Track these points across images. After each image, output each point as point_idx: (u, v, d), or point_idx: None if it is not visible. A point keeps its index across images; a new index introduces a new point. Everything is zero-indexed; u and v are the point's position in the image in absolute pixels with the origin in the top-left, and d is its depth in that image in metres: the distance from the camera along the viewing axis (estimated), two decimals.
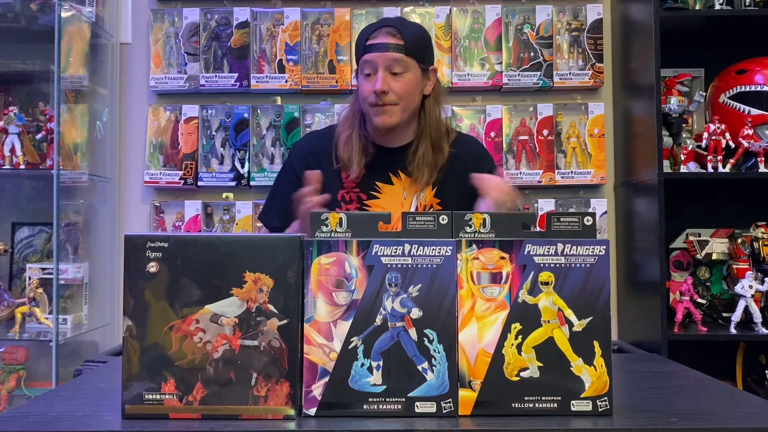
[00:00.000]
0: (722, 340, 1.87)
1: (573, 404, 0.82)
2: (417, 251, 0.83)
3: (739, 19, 1.94)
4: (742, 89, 1.97)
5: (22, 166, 1.98)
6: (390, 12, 2.16)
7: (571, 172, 2.12)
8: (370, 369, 0.83)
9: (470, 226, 0.85)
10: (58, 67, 1.89)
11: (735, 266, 1.95)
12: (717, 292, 2.05)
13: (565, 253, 0.83)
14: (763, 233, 1.91)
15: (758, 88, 1.95)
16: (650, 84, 1.87)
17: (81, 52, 2.05)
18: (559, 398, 0.82)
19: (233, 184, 2.13)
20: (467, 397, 0.82)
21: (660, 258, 1.82)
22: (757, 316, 1.82)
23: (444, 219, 0.85)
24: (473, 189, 1.58)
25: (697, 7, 1.98)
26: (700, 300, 1.93)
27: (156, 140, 2.16)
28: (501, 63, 2.15)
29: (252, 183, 2.12)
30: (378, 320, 0.83)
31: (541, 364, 0.83)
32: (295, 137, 2.12)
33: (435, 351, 0.83)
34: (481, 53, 2.16)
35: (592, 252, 0.83)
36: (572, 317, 0.83)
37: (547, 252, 0.83)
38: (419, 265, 0.83)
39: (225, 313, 0.83)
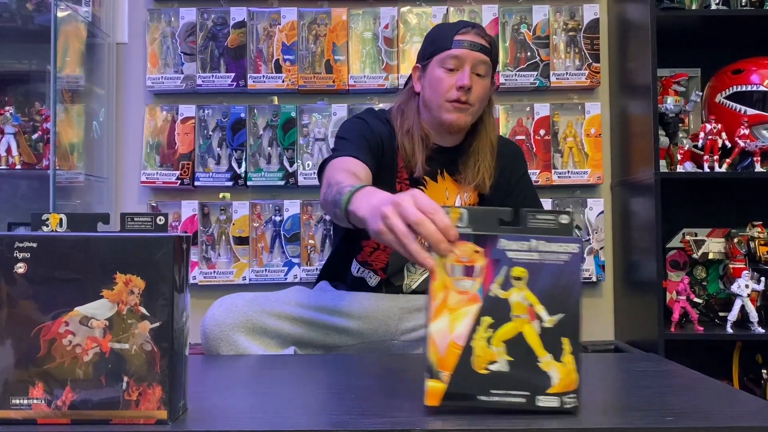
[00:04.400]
0: (718, 339, 1.88)
1: (539, 399, 0.82)
2: (544, 247, 0.83)
3: (735, 19, 1.95)
4: (738, 89, 1.97)
5: (18, 167, 1.97)
6: (387, 12, 2.16)
7: (568, 171, 2.12)
8: None
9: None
10: (54, 67, 1.89)
11: (731, 266, 1.95)
12: (713, 292, 2.06)
13: (539, 249, 0.83)
14: (759, 233, 1.92)
15: (754, 88, 1.96)
16: (647, 84, 1.87)
17: (77, 52, 2.05)
18: (527, 393, 0.82)
19: (230, 184, 2.12)
20: (435, 387, 0.82)
21: (656, 257, 1.82)
22: (754, 316, 1.83)
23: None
24: (510, 189, 1.60)
25: (694, 7, 1.98)
26: (696, 299, 1.93)
27: (153, 140, 2.16)
28: (498, 63, 2.15)
29: (249, 183, 2.12)
30: None
31: (510, 359, 0.83)
32: (291, 137, 2.12)
33: None
34: None
35: (566, 250, 0.83)
36: (543, 313, 0.83)
37: (521, 248, 0.83)
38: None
39: (95, 315, 0.82)
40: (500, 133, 2.12)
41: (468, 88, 1.46)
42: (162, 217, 0.95)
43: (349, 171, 1.28)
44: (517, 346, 0.82)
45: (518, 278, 0.83)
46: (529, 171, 1.69)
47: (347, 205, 1.09)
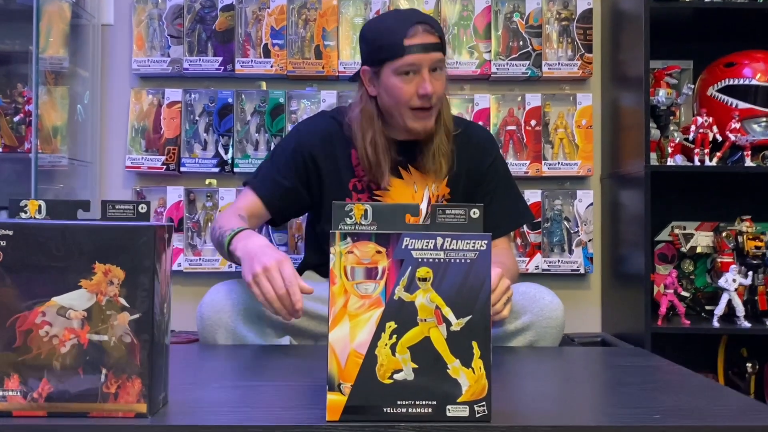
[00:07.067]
0: (705, 333, 1.88)
1: (449, 409, 0.77)
2: (449, 245, 0.78)
3: (728, 11, 1.93)
4: (730, 82, 1.97)
5: (0, 149, 1.93)
6: None
7: (558, 163, 2.11)
8: None
9: (351, 218, 0.79)
10: (36, 48, 1.85)
11: (719, 260, 1.95)
12: (701, 285, 2.06)
13: (444, 247, 0.78)
14: (747, 227, 1.92)
15: (746, 82, 1.95)
16: (639, 75, 1.86)
17: (61, 33, 2.00)
18: (434, 403, 0.77)
19: (216, 170, 2.09)
20: (336, 401, 0.77)
21: (645, 250, 1.81)
22: (740, 310, 1.83)
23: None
24: (480, 176, 1.59)
25: None
26: (683, 293, 1.93)
27: (138, 124, 2.12)
28: (490, 52, 2.13)
29: (236, 170, 2.09)
30: None
31: (416, 366, 0.77)
32: (279, 123, 2.10)
33: None
34: (470, 41, 2.14)
35: (473, 247, 0.78)
36: (450, 316, 0.78)
37: (426, 246, 0.78)
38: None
39: (73, 306, 0.80)
40: (492, 123, 2.11)
41: (432, 94, 1.44)
42: (144, 206, 0.93)
43: (240, 215, 1.49)
44: (423, 352, 0.77)
45: (423, 279, 0.78)
46: (502, 155, 1.71)
47: (229, 245, 1.37)
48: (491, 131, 2.11)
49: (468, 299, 0.78)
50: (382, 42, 1.46)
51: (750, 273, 1.88)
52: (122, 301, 0.81)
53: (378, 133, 1.49)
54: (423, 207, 1.54)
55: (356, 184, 1.54)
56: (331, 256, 0.79)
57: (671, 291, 1.87)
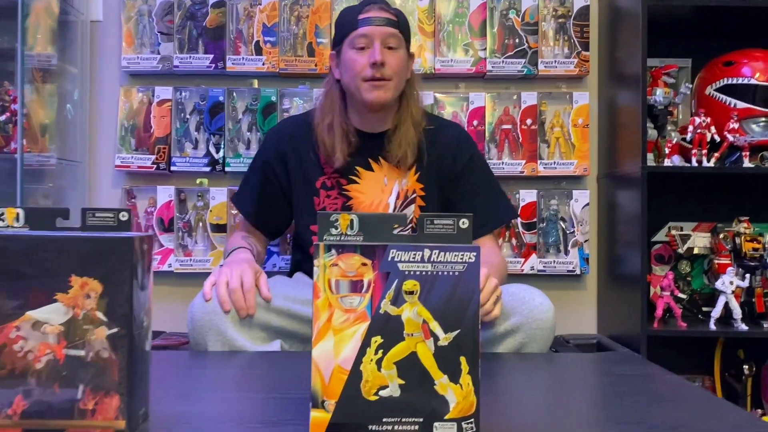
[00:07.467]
0: (701, 335, 1.86)
1: (436, 426, 0.75)
2: (437, 257, 0.76)
3: (727, 10, 1.90)
4: (729, 81, 1.94)
5: None
6: None
7: (554, 162, 2.08)
8: None
9: (336, 228, 0.77)
10: (22, 45, 1.81)
11: (716, 261, 1.93)
12: (697, 287, 2.04)
13: (432, 259, 0.76)
14: (745, 228, 1.89)
15: (745, 81, 1.92)
16: (636, 74, 1.83)
17: (49, 30, 1.97)
18: (421, 420, 0.75)
19: (207, 169, 2.06)
20: (319, 418, 0.75)
21: (641, 251, 1.79)
22: (737, 313, 1.80)
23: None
24: (456, 175, 1.60)
25: None
26: (680, 294, 1.91)
27: (128, 123, 2.09)
28: (485, 49, 2.09)
29: (227, 169, 2.06)
30: None
31: (403, 382, 0.76)
32: (272, 122, 2.06)
33: None
34: (465, 39, 2.10)
35: (462, 259, 0.76)
36: (438, 330, 0.76)
37: (413, 258, 0.76)
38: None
39: (49, 320, 0.78)
40: (487, 122, 2.08)
41: (381, 64, 1.47)
42: (125, 213, 0.90)
43: (242, 235, 1.65)
44: (410, 367, 0.75)
45: (410, 292, 0.76)
46: (480, 153, 1.74)
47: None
48: (486, 130, 2.08)
49: (456, 313, 0.76)
50: (341, 21, 1.56)
51: (747, 275, 1.85)
52: (100, 315, 0.78)
53: (337, 117, 1.54)
54: (391, 201, 1.56)
55: (325, 181, 1.58)
56: (315, 269, 0.77)
57: (668, 293, 1.85)
